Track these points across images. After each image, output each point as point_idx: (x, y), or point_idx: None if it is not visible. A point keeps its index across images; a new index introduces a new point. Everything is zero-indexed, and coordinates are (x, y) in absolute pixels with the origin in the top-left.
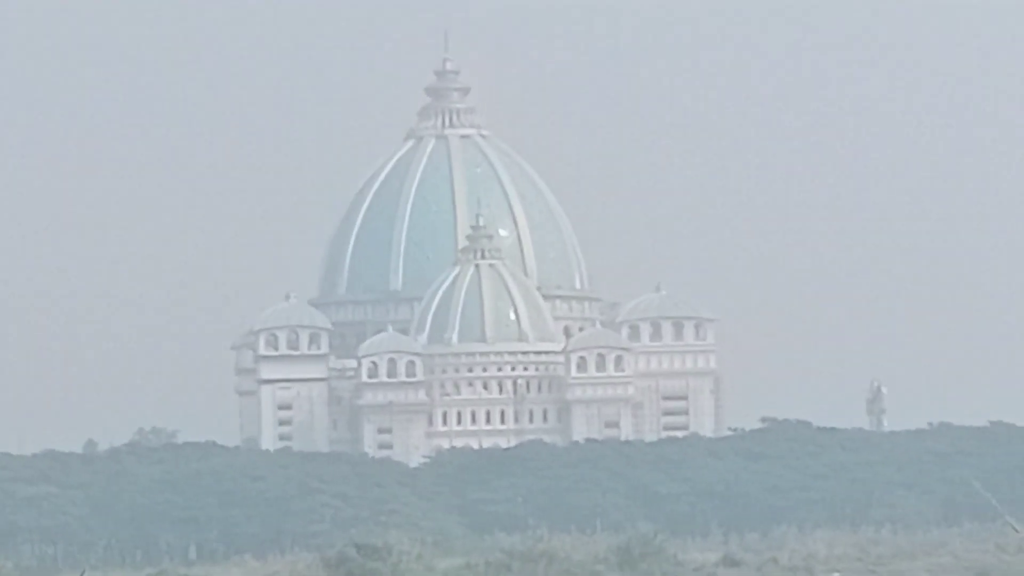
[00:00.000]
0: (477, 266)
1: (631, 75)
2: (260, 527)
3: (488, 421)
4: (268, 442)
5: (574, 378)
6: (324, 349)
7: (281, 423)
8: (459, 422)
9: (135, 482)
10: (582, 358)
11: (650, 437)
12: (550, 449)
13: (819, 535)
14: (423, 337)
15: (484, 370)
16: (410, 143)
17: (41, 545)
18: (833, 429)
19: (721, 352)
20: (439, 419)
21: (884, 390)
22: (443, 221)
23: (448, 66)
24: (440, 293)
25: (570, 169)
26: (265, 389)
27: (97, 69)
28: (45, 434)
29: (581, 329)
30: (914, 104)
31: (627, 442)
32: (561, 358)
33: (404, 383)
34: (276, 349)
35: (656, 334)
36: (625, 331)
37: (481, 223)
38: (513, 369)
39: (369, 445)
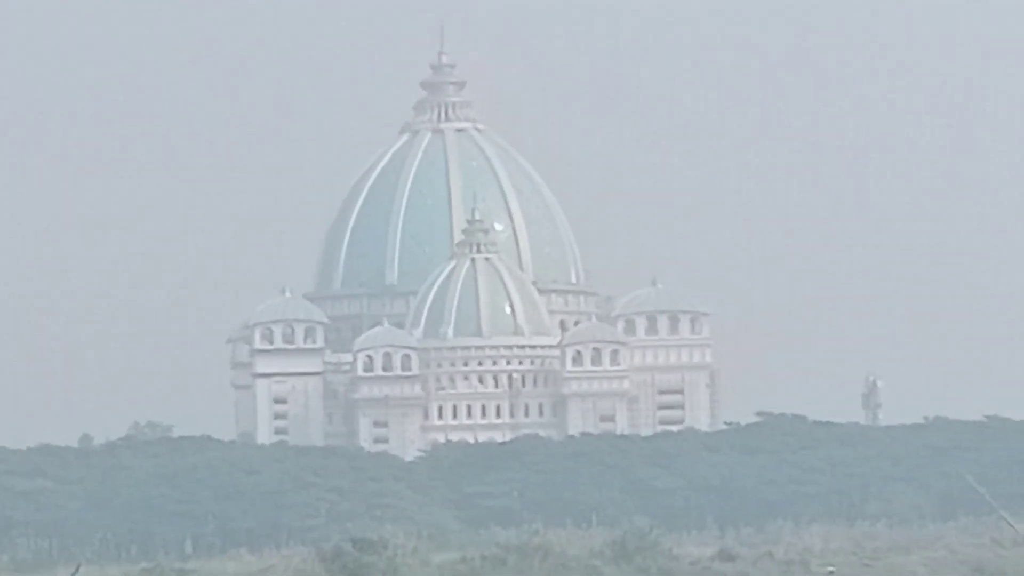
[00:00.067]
0: (473, 260)
1: (627, 70)
2: (256, 521)
3: (484, 415)
4: (264, 436)
5: (570, 372)
6: (320, 343)
7: (277, 417)
8: (455, 416)
9: (131, 476)
10: (578, 352)
11: (646, 431)
12: (546, 443)
13: (815, 529)
14: (419, 331)
15: (480, 364)
16: (406, 137)
17: (37, 539)
18: (829, 423)
19: (717, 346)
20: (435, 413)
21: (880, 384)
22: (439, 215)
23: (444, 60)
24: (436, 287)
25: (566, 163)
26: (261, 383)
27: (95, 67)
28: (41, 428)
29: (577, 323)
30: (913, 103)
31: (623, 436)
32: (557, 352)
33: (400, 377)
34: (272, 343)
35: (652, 328)
36: (621, 325)
37: (477, 217)
38: (509, 363)
39: (365, 439)
